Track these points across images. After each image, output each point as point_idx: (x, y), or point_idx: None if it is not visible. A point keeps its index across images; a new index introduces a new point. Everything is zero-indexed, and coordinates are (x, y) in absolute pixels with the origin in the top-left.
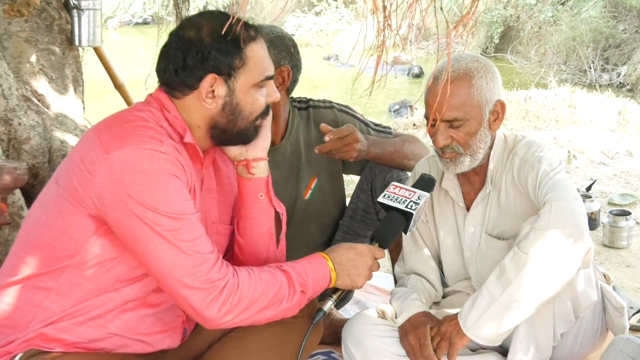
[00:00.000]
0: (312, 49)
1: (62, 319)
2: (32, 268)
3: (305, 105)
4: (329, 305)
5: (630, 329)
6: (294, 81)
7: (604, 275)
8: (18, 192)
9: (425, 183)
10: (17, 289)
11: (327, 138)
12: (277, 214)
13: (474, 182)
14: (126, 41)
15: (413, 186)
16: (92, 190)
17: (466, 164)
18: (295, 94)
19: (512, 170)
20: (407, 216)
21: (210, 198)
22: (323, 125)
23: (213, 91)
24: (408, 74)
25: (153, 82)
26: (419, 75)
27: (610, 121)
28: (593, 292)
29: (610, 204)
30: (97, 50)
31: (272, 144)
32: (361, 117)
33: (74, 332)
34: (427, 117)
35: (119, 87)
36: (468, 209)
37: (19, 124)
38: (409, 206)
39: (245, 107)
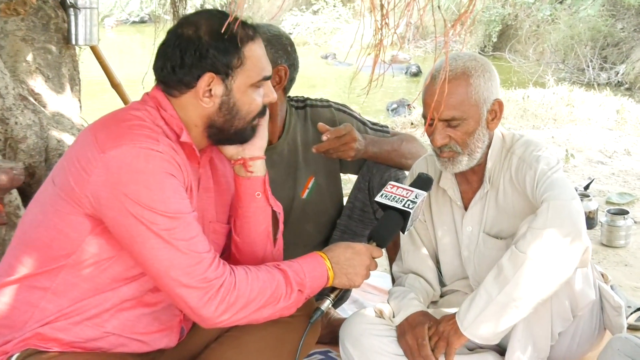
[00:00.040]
0: (310, 47)
1: (59, 319)
2: (29, 268)
3: (302, 104)
4: (326, 304)
5: (628, 328)
6: (291, 80)
7: (602, 275)
8: (15, 192)
9: (423, 182)
10: (13, 289)
11: (324, 137)
12: (274, 213)
13: (471, 181)
14: (123, 40)
15: (411, 185)
16: (88, 190)
17: (464, 163)
18: (293, 92)
19: (510, 170)
20: (404, 215)
21: (207, 197)
22: (320, 125)
23: (210, 90)
24: (406, 72)
25: (150, 81)
26: (417, 74)
27: (609, 120)
28: (591, 291)
29: (608, 203)
30: (93, 49)
31: (270, 143)
32: (358, 116)
33: (71, 332)
34: (424, 116)
35: (115, 86)
36: (466, 208)
37: (16, 123)
38: (406, 205)
39: (243, 106)
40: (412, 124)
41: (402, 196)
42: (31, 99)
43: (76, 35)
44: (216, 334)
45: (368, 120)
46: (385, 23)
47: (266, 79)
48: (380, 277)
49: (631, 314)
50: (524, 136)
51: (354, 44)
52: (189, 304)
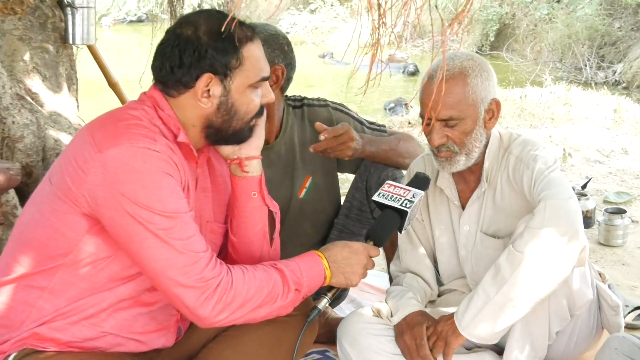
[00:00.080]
0: (307, 46)
1: (56, 319)
2: (26, 267)
3: (299, 103)
4: (323, 303)
5: (625, 327)
6: (288, 79)
7: (600, 274)
8: (12, 191)
9: (420, 181)
10: (10, 288)
11: (322, 137)
12: (270, 213)
13: (469, 180)
14: (120, 39)
15: (408, 184)
16: (85, 189)
17: (461, 163)
18: (290, 92)
19: (508, 169)
20: (401, 214)
21: (205, 197)
22: (318, 124)
23: (209, 90)
24: (403, 72)
25: (147, 81)
26: (414, 73)
27: (606, 119)
28: (588, 290)
29: (605, 202)
30: (91, 49)
31: (267, 142)
32: (356, 116)
33: (68, 332)
34: (422, 116)
35: (113, 85)
36: (463, 207)
37: (13, 122)
38: (403, 204)
39: (241, 107)
40: (409, 123)
41: (400, 195)
42: (28, 98)
43: (73, 34)
44: (213, 334)
45: (365, 120)
46: (383, 22)
47: (264, 79)
48: (377, 277)
49: (629, 313)
50: (521, 135)
51: (352, 43)
52: (186, 303)
